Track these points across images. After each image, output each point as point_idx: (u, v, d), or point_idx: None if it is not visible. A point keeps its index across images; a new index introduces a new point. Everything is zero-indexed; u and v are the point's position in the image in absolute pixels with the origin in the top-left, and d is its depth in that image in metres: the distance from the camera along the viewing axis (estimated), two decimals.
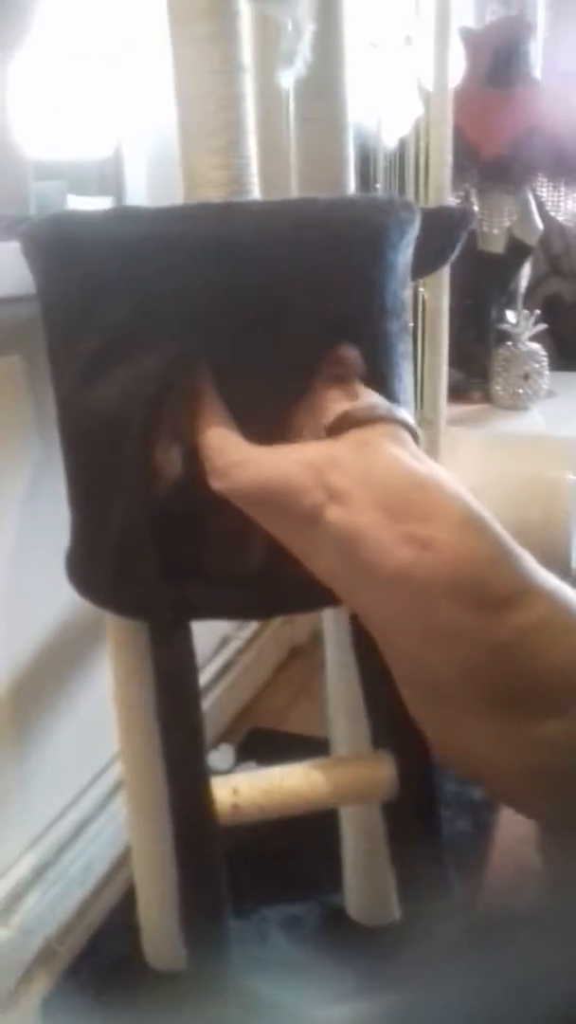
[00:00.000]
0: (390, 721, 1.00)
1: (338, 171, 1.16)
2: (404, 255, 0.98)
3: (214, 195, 0.96)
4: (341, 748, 1.21)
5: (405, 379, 1.03)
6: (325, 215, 0.91)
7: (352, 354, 0.88)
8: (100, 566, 0.99)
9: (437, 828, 0.96)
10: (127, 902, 1.24)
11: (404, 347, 1.01)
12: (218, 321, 0.90)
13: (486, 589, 0.70)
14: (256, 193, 1.00)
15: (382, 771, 0.97)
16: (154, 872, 1.11)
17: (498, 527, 0.78)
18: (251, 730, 1.72)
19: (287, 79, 1.09)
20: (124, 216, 0.93)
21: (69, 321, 0.93)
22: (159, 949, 1.17)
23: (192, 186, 0.98)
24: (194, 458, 0.92)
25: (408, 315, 1.02)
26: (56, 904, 1.27)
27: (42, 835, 1.27)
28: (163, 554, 0.96)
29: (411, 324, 1.02)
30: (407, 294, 1.02)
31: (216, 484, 0.81)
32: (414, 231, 0.99)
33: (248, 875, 1.33)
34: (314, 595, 1.03)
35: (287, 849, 1.36)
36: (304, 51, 1.07)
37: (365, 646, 1.03)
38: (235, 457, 0.79)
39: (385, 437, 0.80)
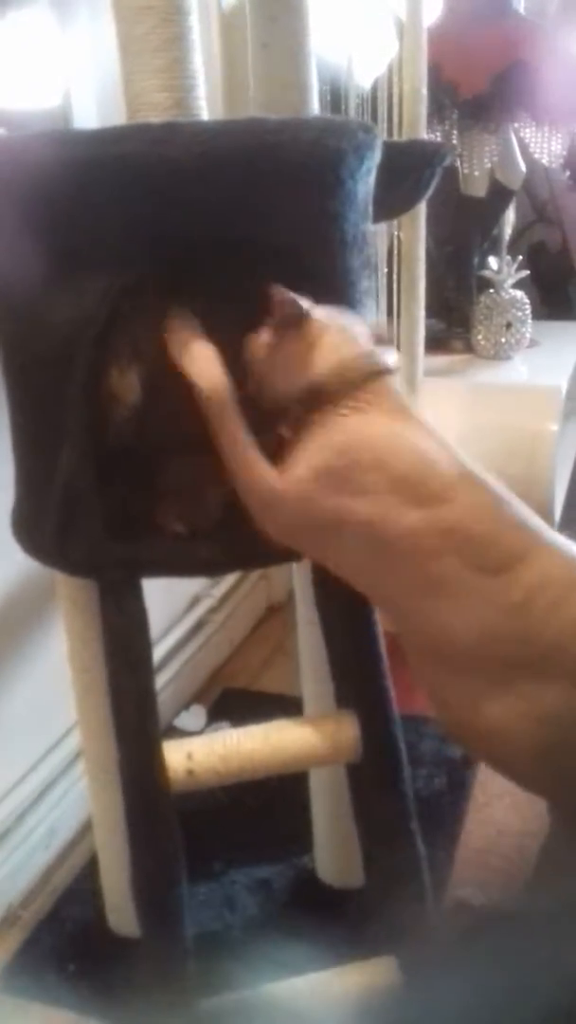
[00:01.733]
0: (354, 681, 0.95)
1: (299, 99, 1.08)
2: (365, 184, 0.92)
3: (156, 119, 0.89)
4: (312, 707, 1.17)
5: (367, 317, 0.97)
6: (276, 138, 0.83)
7: (287, 297, 0.83)
8: (45, 522, 0.93)
9: (402, 788, 0.92)
10: (92, 867, 1.21)
11: (367, 284, 0.95)
12: (166, 248, 0.84)
13: (494, 546, 0.79)
14: (204, 118, 0.93)
15: (345, 732, 0.93)
16: (114, 838, 1.07)
17: (500, 488, 0.86)
18: (224, 690, 1.68)
19: None
20: (61, 139, 0.86)
21: (12, 251, 0.87)
22: (121, 915, 1.14)
23: (133, 111, 0.90)
24: (157, 379, 0.87)
25: (371, 250, 0.95)
26: (18, 869, 1.24)
27: (1, 800, 1.23)
28: (111, 508, 0.91)
29: (375, 261, 0.96)
30: (370, 227, 0.95)
31: (260, 525, 0.86)
32: (374, 157, 0.92)
33: (217, 838, 1.30)
34: (273, 549, 0.99)
35: (258, 811, 1.33)
36: None
37: (329, 606, 0.98)
38: (263, 499, 0.84)
39: (372, 408, 0.82)
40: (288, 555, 0.95)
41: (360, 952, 0.93)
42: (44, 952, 1.16)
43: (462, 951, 0.62)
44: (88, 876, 1.23)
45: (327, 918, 1.14)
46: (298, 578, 1.12)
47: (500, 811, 1.37)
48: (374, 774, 0.93)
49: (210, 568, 1.00)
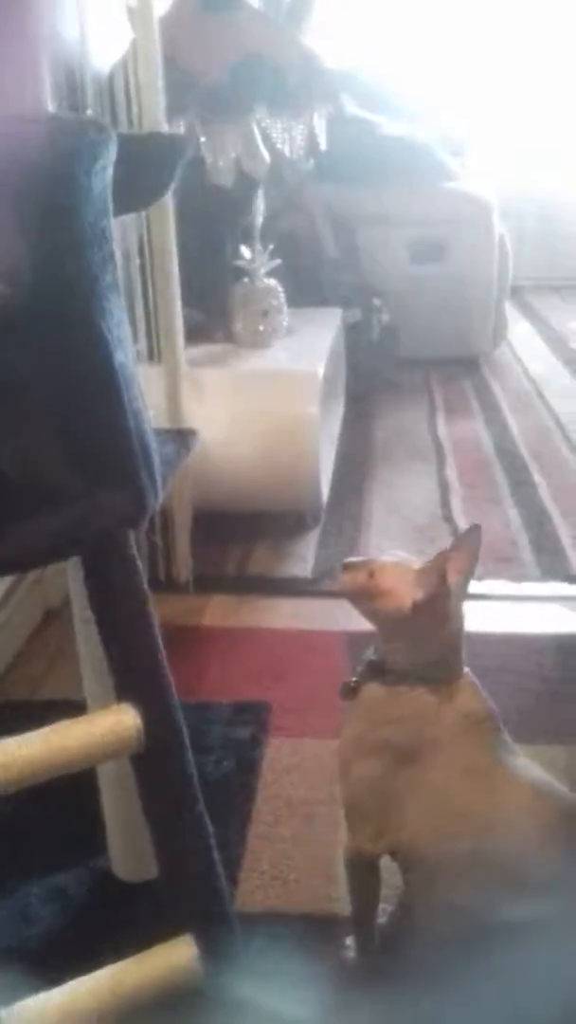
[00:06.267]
0: (130, 672, 0.96)
1: (30, 89, 1.06)
2: (101, 180, 0.91)
3: None
4: (95, 707, 1.16)
5: (115, 312, 0.96)
6: (6, 136, 0.82)
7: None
8: None
9: (186, 771, 0.94)
10: None
11: (110, 279, 0.95)
12: None
13: None
14: None
15: (125, 724, 0.93)
16: None
17: None
18: (4, 702, 1.63)
19: None
20: None
21: None
22: None
23: None
24: None
25: (111, 246, 0.95)
26: None
27: None
28: None
29: (115, 255, 0.96)
30: (109, 223, 0.95)
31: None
32: (109, 154, 0.92)
33: (7, 853, 1.26)
34: (37, 553, 0.97)
35: (47, 819, 1.30)
36: None
37: (104, 601, 0.98)
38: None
39: None
40: (49, 556, 0.93)
41: (159, 940, 0.95)
42: None
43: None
44: None
45: (127, 913, 1.15)
46: (72, 578, 1.10)
47: (287, 785, 1.42)
48: (157, 762, 0.95)
49: None
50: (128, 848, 1.22)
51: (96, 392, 0.94)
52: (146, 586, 0.98)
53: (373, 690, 1.03)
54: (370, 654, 1.05)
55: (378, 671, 1.03)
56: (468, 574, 1.00)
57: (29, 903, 1.20)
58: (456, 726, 0.99)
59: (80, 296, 0.89)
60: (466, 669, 1.03)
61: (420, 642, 1.00)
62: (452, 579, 0.97)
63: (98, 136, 0.88)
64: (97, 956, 0.94)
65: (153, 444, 1.02)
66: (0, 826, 1.22)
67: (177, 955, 0.92)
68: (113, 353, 0.94)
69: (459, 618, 1.02)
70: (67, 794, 1.07)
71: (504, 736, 1.01)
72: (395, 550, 1.05)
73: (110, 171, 0.93)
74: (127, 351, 0.98)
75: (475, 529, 1.00)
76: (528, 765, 1.00)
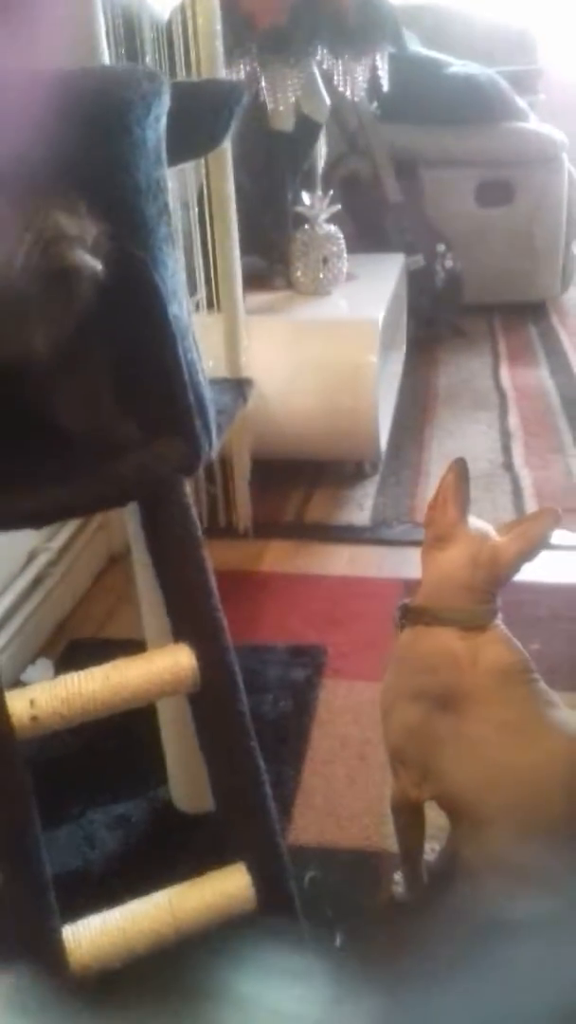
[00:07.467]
0: (186, 615, 1.00)
1: (84, 40, 1.07)
2: (154, 131, 0.93)
3: None
4: (153, 647, 1.20)
5: (169, 264, 0.98)
6: (59, 90, 0.84)
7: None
8: None
9: (240, 710, 0.98)
10: None
11: (165, 230, 0.97)
12: None
13: None
14: None
15: (181, 664, 0.97)
16: None
17: None
18: (70, 642, 1.69)
19: None
20: None
21: None
22: None
23: None
24: None
25: (166, 196, 0.97)
26: None
27: None
28: None
29: (170, 205, 0.98)
30: (163, 174, 0.97)
31: None
32: (162, 104, 0.93)
33: (74, 781, 1.33)
34: (98, 499, 1.01)
35: (111, 751, 1.36)
36: None
37: (160, 545, 1.02)
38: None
39: None
40: (110, 502, 0.97)
41: (214, 868, 1.00)
42: None
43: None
44: None
45: (185, 842, 1.21)
46: (131, 522, 1.14)
47: (342, 725, 1.46)
48: (212, 701, 0.98)
49: (35, 520, 1.01)
50: (187, 781, 1.27)
51: (150, 344, 0.96)
52: (200, 532, 1.01)
53: (408, 635, 1.05)
54: (407, 600, 1.08)
55: (414, 615, 1.05)
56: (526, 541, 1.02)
57: (94, 828, 1.26)
58: (490, 680, 0.99)
59: (137, 249, 0.91)
60: (497, 621, 1.04)
61: (448, 583, 1.02)
62: (451, 509, 1.02)
63: (152, 86, 0.89)
64: (155, 880, 0.99)
65: (208, 394, 1.05)
66: (68, 757, 1.29)
67: (232, 882, 0.97)
68: (167, 305, 0.96)
69: (490, 566, 1.02)
70: (132, 728, 1.13)
71: (542, 686, 1.02)
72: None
73: (164, 121, 0.94)
74: (181, 303, 1.00)
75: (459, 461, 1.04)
76: (570, 717, 1.01)
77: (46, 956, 0.88)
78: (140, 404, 0.99)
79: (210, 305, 1.89)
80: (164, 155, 0.96)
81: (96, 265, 0.83)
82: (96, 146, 0.86)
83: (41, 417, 0.94)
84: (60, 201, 0.83)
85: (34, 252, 0.82)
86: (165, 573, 1.02)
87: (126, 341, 0.96)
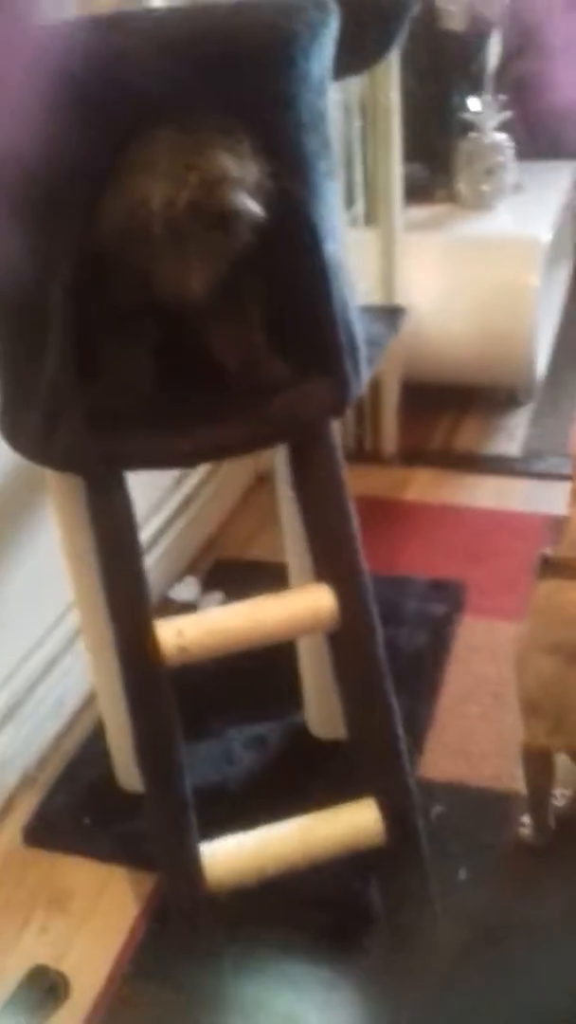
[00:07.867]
0: (327, 557, 1.01)
1: None
2: (319, 61, 0.89)
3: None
4: (295, 576, 1.23)
5: (329, 199, 0.96)
6: (225, 23, 0.82)
7: None
8: (31, 421, 0.96)
9: (375, 651, 0.99)
10: (99, 732, 1.30)
11: (325, 165, 0.94)
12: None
13: None
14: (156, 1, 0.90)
15: (321, 604, 0.99)
16: (116, 706, 1.15)
17: None
18: (216, 560, 1.75)
19: None
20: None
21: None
22: (128, 773, 1.24)
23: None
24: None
25: (327, 127, 0.94)
26: (32, 737, 1.33)
27: (11, 675, 1.32)
28: (93, 405, 0.94)
29: (333, 138, 0.95)
30: (326, 103, 0.93)
31: None
32: (330, 32, 0.89)
33: (215, 701, 1.39)
34: (250, 440, 1.02)
35: (252, 675, 1.41)
36: None
37: (304, 487, 1.03)
38: None
39: None
40: (264, 442, 0.98)
41: (345, 797, 1.03)
42: (60, 809, 1.27)
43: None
44: (96, 740, 1.33)
45: (318, 767, 1.25)
46: (278, 459, 1.15)
47: (478, 664, 1.46)
48: (350, 641, 1.00)
49: (191, 460, 1.04)
50: (322, 709, 1.31)
51: (305, 282, 0.95)
52: (344, 475, 1.01)
53: (548, 586, 1.03)
54: (549, 551, 1.04)
55: (555, 567, 1.02)
56: None
57: (232, 746, 1.32)
58: None
59: (296, 184, 0.89)
60: None
61: None
62: None
63: (319, 15, 0.85)
64: (287, 801, 1.04)
65: (359, 332, 1.03)
66: (211, 681, 1.34)
67: (361, 817, 1.00)
68: (324, 242, 0.94)
69: None
70: (271, 654, 1.16)
71: None
72: None
73: (330, 47, 0.90)
74: (338, 239, 0.98)
75: None
76: None
77: (185, 871, 0.94)
78: (291, 343, 0.99)
79: (367, 220, 1.83)
80: (328, 84, 0.92)
81: (257, 209, 0.82)
82: (260, 82, 0.84)
83: (195, 359, 0.95)
84: (224, 141, 0.82)
85: (198, 194, 0.81)
86: (309, 513, 1.03)
87: (280, 279, 0.95)
